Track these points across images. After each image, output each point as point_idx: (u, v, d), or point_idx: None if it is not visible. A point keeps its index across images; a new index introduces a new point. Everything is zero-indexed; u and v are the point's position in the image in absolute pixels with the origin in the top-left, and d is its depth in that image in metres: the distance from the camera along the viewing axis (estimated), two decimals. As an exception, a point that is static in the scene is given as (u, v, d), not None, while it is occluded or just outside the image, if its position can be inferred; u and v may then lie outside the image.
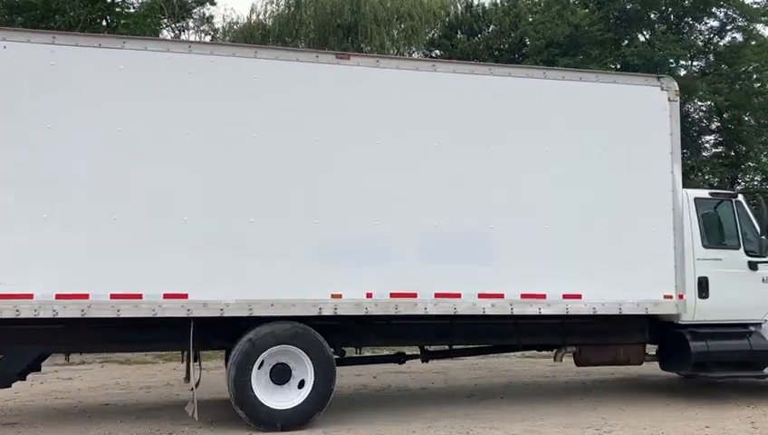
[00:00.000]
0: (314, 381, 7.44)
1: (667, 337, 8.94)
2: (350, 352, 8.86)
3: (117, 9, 20.60)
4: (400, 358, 8.90)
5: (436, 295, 7.71)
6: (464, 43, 23.91)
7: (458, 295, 7.77)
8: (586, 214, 8.22)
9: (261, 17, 20.32)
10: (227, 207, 7.28)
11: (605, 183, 8.30)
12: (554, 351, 9.03)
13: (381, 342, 8.73)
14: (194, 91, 7.27)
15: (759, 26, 23.19)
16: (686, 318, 8.68)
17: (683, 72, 23.03)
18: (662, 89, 8.62)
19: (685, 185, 8.85)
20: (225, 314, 7.18)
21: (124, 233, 6.96)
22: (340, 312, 7.49)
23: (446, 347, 8.98)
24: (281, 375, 7.44)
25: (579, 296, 8.10)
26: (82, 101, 7.00)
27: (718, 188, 22.63)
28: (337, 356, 8.07)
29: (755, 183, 24.37)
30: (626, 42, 23.24)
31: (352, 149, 7.65)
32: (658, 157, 8.51)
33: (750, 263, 9.04)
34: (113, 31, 19.50)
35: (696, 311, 8.71)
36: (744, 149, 23.77)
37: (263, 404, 7.30)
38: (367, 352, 9.69)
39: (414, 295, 7.66)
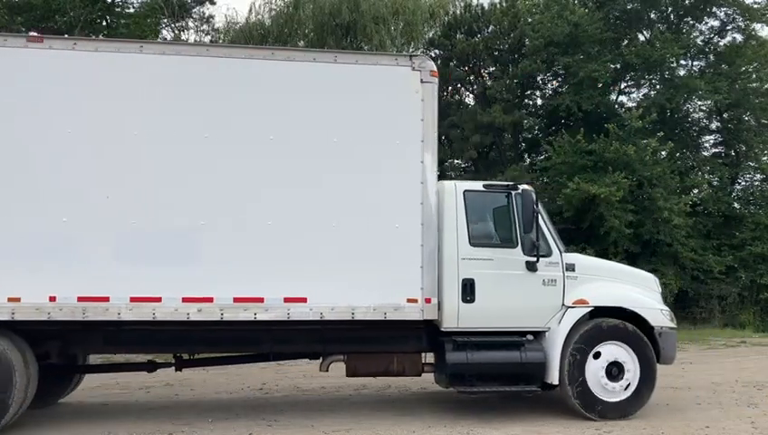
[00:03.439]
0: None
1: (435, 346, 7.99)
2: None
3: (117, 9, 20.62)
4: (150, 366, 8.28)
5: (132, 299, 7.06)
6: (463, 43, 23.89)
7: (158, 299, 7.09)
8: (316, 208, 7.42)
9: (260, 17, 20.31)
10: None
11: (341, 174, 7.49)
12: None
13: (112, 349, 8.14)
14: None
15: (758, 26, 23.22)
16: (448, 325, 7.72)
17: (682, 72, 23.06)
18: (413, 69, 7.66)
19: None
20: None
21: None
22: (19, 317, 6.91)
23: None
24: None
25: (303, 300, 7.32)
26: None
27: (718, 186, 22.73)
28: (52, 361, 7.58)
29: (756, 183, 24.41)
30: (626, 41, 23.25)
31: (39, 139, 7.08)
32: (406, 145, 7.59)
33: (528, 263, 7.91)
34: (113, 31, 19.53)
35: (459, 317, 7.72)
36: (744, 148, 23.78)
37: None
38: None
39: (105, 299, 7.03)
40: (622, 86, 24.21)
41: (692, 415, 8.24)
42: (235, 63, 7.51)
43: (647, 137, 20.39)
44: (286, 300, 7.33)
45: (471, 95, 26.24)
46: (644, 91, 24.24)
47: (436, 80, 7.81)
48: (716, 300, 21.25)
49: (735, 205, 23.09)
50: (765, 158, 23.57)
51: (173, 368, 8.27)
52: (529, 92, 25.44)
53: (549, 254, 8.04)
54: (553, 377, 7.79)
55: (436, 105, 7.82)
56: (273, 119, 7.47)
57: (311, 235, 7.41)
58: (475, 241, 7.93)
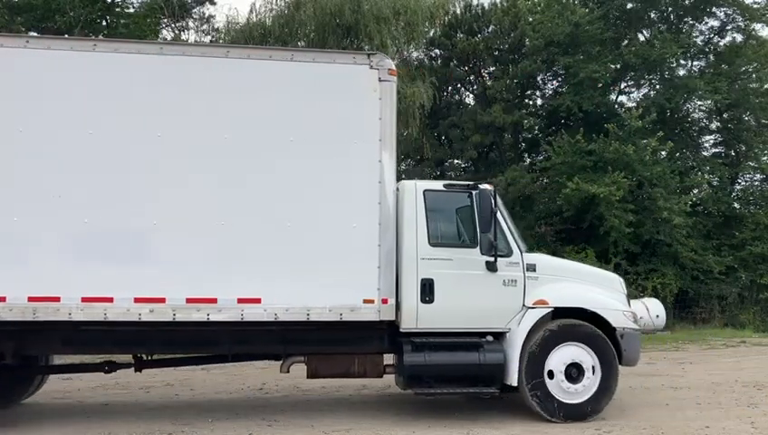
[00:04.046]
0: None
1: (396, 347, 7.86)
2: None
3: (117, 9, 20.62)
4: (106, 366, 8.17)
5: (84, 300, 7.01)
6: (463, 43, 23.95)
7: (110, 300, 7.05)
8: (271, 208, 7.35)
9: (260, 17, 20.28)
10: None
11: (295, 174, 7.40)
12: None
13: (70, 349, 8.14)
14: None
15: (759, 26, 23.23)
16: (406, 326, 7.62)
17: (682, 72, 23.07)
18: (371, 67, 7.57)
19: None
20: None
21: None
22: None
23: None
24: None
25: (257, 301, 7.25)
26: None
27: (718, 186, 22.73)
28: (7, 362, 7.46)
29: (756, 183, 24.43)
30: (626, 42, 23.26)
31: None
32: (364, 144, 7.50)
33: (488, 263, 7.77)
34: (113, 31, 19.54)
35: (418, 317, 7.63)
36: (744, 148, 23.79)
37: None
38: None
39: (57, 299, 6.98)
40: (622, 86, 24.24)
41: (692, 415, 8.24)
42: (190, 62, 7.44)
43: (646, 137, 20.40)
44: (240, 301, 7.25)
45: (471, 95, 26.32)
46: (644, 91, 24.29)
47: (395, 78, 7.72)
48: (716, 300, 21.26)
49: (735, 205, 23.10)
50: (765, 158, 23.58)
51: (132, 369, 8.14)
52: (529, 92, 25.47)
53: (509, 254, 7.92)
54: (512, 379, 7.68)
55: (395, 104, 7.72)
56: (228, 118, 7.38)
57: (265, 235, 7.32)
58: (435, 241, 7.82)
